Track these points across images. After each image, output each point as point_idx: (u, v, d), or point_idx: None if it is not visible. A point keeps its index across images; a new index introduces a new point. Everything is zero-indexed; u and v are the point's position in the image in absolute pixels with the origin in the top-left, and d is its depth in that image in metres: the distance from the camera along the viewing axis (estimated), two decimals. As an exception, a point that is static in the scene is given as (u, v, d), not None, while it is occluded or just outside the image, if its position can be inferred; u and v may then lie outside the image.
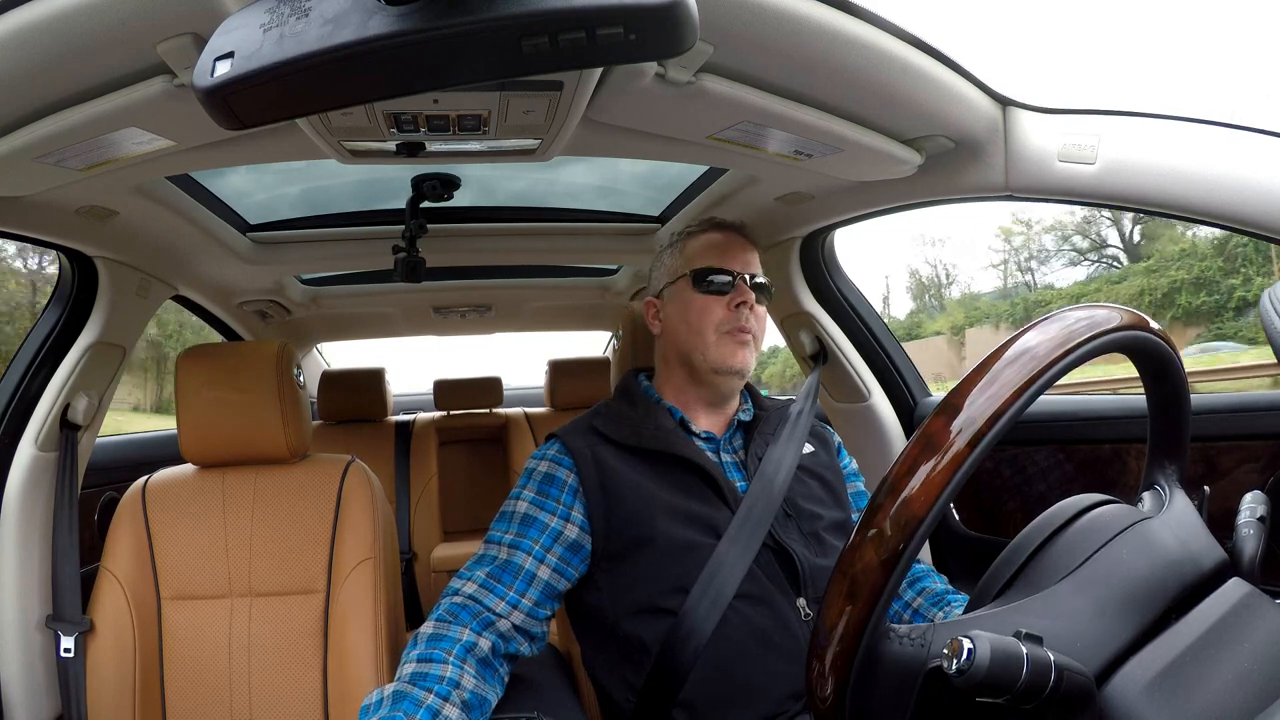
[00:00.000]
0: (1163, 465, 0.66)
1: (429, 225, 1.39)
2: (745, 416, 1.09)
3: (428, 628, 0.91)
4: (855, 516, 1.09)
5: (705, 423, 1.07)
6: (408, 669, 0.85)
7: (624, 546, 0.95)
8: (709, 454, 1.02)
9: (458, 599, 0.93)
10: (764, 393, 1.21)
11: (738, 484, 1.01)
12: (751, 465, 1.02)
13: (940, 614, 1.02)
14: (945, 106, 0.98)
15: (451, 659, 0.85)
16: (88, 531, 1.48)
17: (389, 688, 0.83)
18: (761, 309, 1.07)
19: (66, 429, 1.29)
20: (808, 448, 1.08)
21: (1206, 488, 0.66)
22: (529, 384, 3.37)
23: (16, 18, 0.65)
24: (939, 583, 1.08)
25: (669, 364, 1.10)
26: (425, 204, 1.36)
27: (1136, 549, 0.55)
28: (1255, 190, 0.86)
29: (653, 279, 1.15)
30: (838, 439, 1.19)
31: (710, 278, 1.05)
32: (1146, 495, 0.65)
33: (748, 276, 1.05)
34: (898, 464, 0.49)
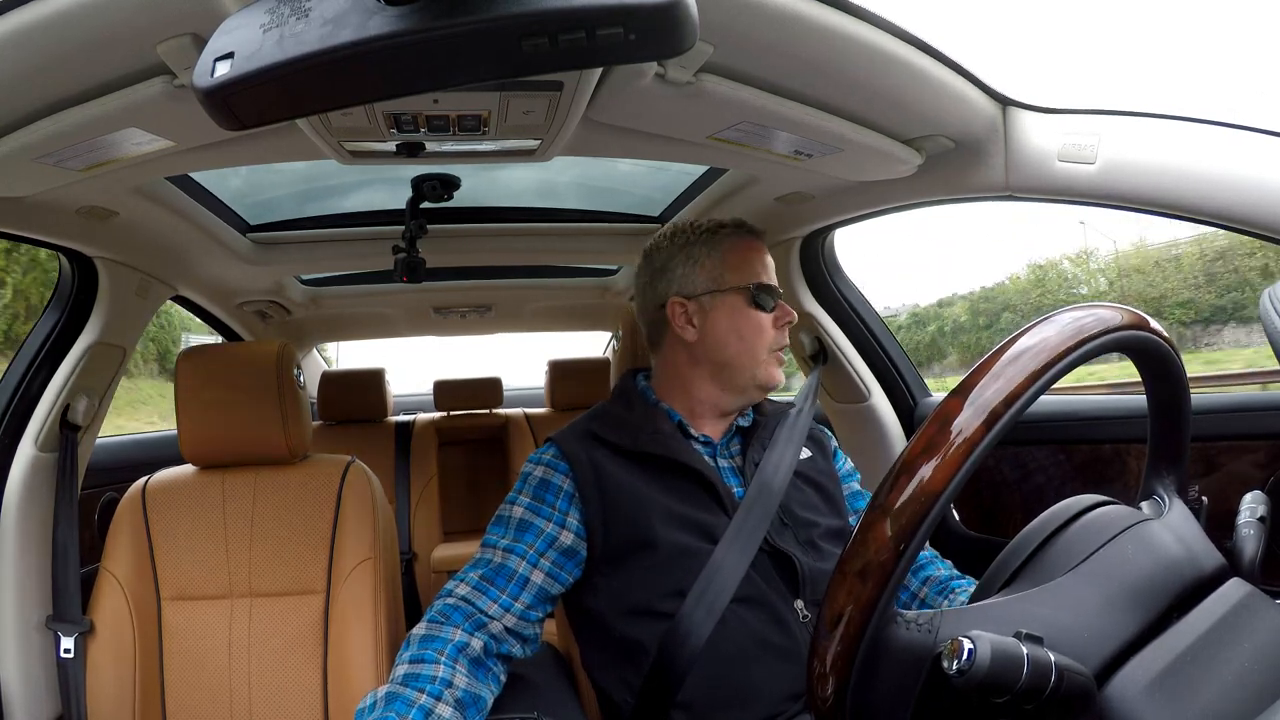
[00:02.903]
0: (1161, 475, 0.66)
1: (429, 225, 1.39)
2: (744, 422, 1.08)
3: (420, 629, 0.91)
4: (853, 519, 1.09)
5: (706, 428, 1.06)
6: (400, 670, 0.85)
7: (621, 551, 0.95)
8: (706, 458, 1.02)
9: (450, 600, 0.93)
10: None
11: (734, 489, 1.01)
12: (749, 471, 1.01)
13: (946, 601, 1.02)
14: (945, 106, 0.98)
15: (443, 659, 0.85)
16: (88, 532, 1.48)
17: (382, 690, 0.83)
18: None
19: (66, 429, 1.29)
20: (805, 452, 1.07)
21: (1205, 498, 0.66)
22: (529, 384, 3.37)
23: (16, 18, 0.65)
24: (943, 569, 1.07)
25: (695, 371, 1.05)
26: (425, 204, 1.36)
27: (1138, 548, 0.55)
28: (1255, 190, 0.85)
29: (678, 276, 1.06)
30: (834, 442, 1.18)
31: (762, 295, 1.05)
32: (1145, 505, 0.65)
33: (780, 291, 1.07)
34: (913, 443, 0.49)
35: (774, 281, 1.07)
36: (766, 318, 1.04)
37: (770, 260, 1.08)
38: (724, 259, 1.05)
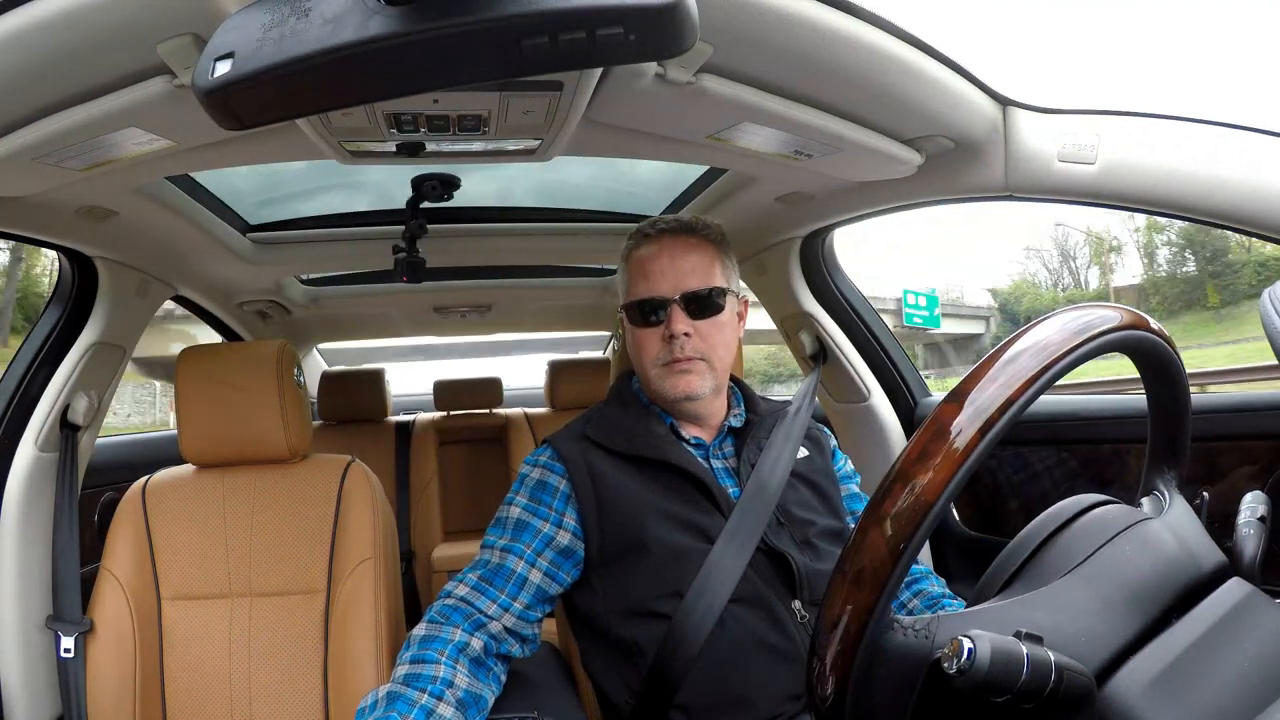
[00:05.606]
0: (1162, 471, 0.66)
1: (429, 225, 1.39)
2: (735, 422, 1.08)
3: (420, 629, 0.91)
4: (850, 520, 1.08)
5: (694, 430, 1.06)
6: (401, 670, 0.85)
7: (618, 552, 0.96)
8: (699, 460, 1.02)
9: (450, 600, 0.94)
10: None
11: (729, 490, 1.01)
12: (744, 471, 1.01)
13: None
14: (945, 106, 0.98)
15: (444, 659, 0.86)
16: (88, 531, 1.48)
17: (383, 689, 0.83)
18: (715, 321, 1.01)
19: (66, 429, 1.29)
20: (802, 451, 1.07)
21: (1205, 493, 0.66)
22: (530, 384, 3.37)
23: (16, 18, 0.65)
24: (936, 585, 1.07)
25: None
26: (425, 204, 1.36)
27: (1138, 547, 0.55)
28: (1255, 190, 0.86)
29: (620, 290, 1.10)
30: (833, 441, 1.18)
31: (641, 311, 1.01)
32: (1145, 501, 0.65)
33: (680, 297, 0.99)
34: (908, 450, 0.49)
35: (665, 289, 0.99)
36: (649, 332, 1.01)
37: (679, 255, 1.01)
38: (628, 272, 1.06)
